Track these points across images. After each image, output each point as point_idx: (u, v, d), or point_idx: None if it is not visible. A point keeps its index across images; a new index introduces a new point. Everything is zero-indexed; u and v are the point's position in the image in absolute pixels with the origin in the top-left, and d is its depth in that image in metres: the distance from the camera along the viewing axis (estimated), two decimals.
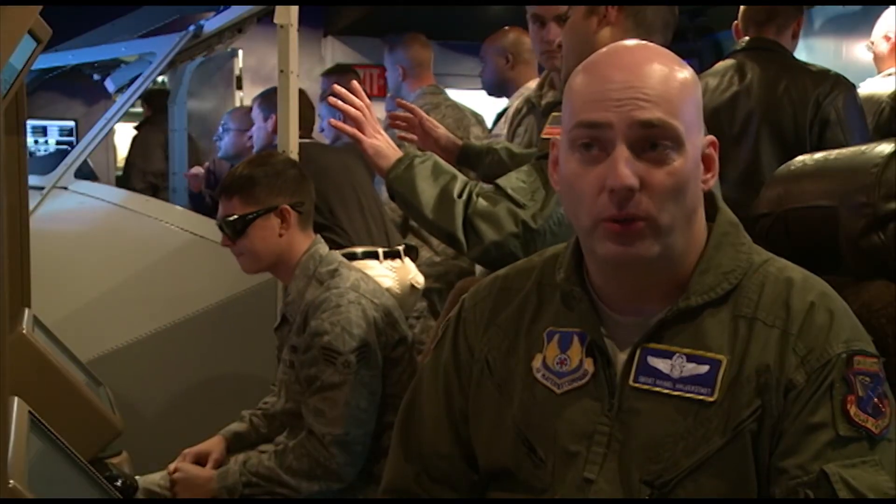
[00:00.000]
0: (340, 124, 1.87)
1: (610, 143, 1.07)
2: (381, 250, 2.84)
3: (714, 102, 2.60)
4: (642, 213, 1.06)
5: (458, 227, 1.65)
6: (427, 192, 1.68)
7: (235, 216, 2.07)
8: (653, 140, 1.06)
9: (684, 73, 1.11)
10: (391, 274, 2.82)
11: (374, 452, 2.06)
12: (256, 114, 3.59)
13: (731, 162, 2.55)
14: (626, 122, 1.06)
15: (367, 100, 1.83)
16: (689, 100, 1.09)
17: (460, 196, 1.67)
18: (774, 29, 2.66)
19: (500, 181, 1.70)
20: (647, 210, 1.06)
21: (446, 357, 1.28)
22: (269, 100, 3.49)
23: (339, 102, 1.82)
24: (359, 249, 2.79)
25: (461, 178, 1.72)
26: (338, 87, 1.83)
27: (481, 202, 1.67)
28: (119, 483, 1.76)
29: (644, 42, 1.17)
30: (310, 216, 2.17)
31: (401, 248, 2.93)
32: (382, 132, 1.80)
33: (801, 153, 1.47)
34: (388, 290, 2.50)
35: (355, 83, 1.87)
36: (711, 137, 1.15)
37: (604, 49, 1.16)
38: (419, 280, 2.94)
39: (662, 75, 1.08)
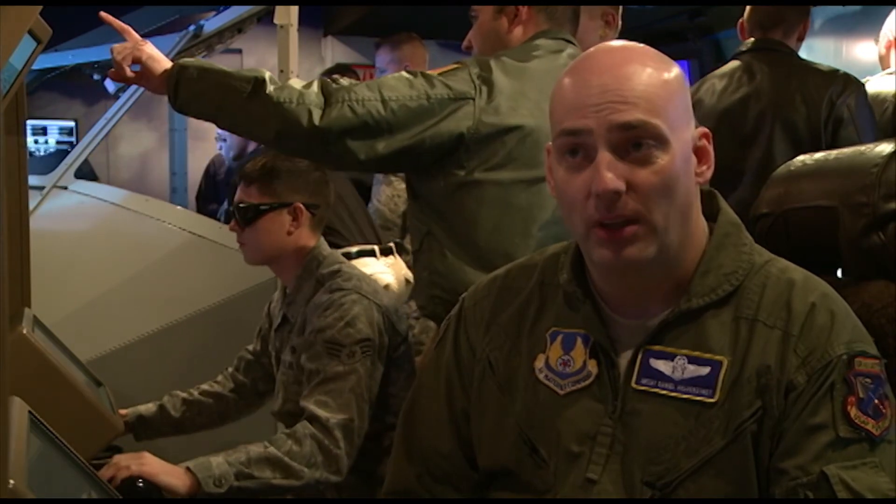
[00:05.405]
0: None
1: (592, 149, 1.07)
2: (376, 248, 2.83)
3: (724, 104, 2.59)
4: (631, 214, 1.06)
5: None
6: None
7: (249, 204, 2.05)
8: (635, 140, 1.06)
9: (666, 70, 1.11)
10: (389, 270, 2.82)
11: (375, 453, 2.05)
12: None
13: (744, 162, 2.54)
14: (605, 126, 1.06)
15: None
16: (672, 96, 1.09)
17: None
18: (780, 33, 2.66)
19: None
20: (635, 210, 1.06)
21: (447, 356, 1.28)
22: None
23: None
24: (353, 248, 2.78)
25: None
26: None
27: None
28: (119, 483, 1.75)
29: (625, 42, 1.15)
30: (322, 221, 2.14)
31: (392, 245, 2.93)
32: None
33: (817, 152, 1.46)
34: (387, 286, 2.49)
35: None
36: (704, 129, 1.14)
37: (586, 52, 1.16)
38: (410, 275, 2.93)
39: (642, 75, 1.08)
